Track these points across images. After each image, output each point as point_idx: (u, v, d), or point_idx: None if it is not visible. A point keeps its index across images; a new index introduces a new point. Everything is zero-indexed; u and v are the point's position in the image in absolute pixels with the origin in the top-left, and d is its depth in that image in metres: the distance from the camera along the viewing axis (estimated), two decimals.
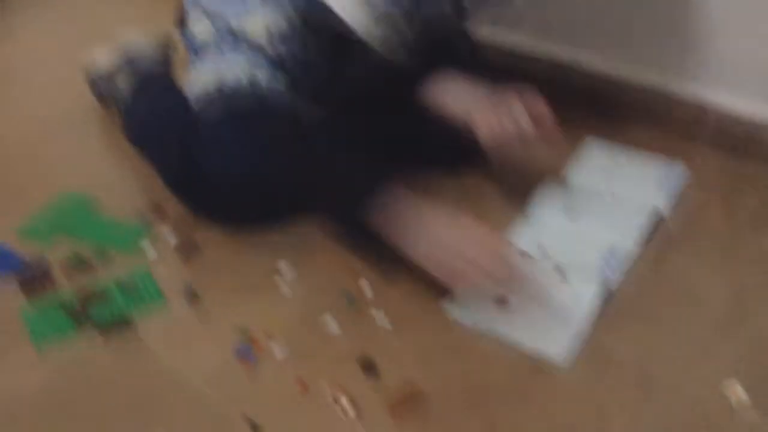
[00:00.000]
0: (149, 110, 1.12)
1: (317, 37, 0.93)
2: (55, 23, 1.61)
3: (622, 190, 0.99)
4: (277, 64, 0.96)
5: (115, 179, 1.09)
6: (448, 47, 1.02)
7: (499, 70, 1.14)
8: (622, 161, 1.05)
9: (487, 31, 1.27)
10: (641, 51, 1.11)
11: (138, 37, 1.21)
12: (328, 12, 0.86)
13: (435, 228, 0.82)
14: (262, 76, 0.96)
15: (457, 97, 0.95)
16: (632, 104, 1.14)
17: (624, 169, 1.03)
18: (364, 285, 0.88)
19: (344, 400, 0.76)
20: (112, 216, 1.01)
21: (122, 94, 1.15)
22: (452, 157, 1.03)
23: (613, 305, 0.84)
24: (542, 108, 0.91)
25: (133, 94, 1.14)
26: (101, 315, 0.87)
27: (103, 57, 1.22)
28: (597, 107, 1.17)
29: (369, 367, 0.79)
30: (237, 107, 0.96)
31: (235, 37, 0.97)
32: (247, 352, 0.82)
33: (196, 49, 1.02)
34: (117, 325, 0.86)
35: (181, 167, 0.99)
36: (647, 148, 1.06)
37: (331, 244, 0.94)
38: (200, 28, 1.01)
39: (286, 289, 0.89)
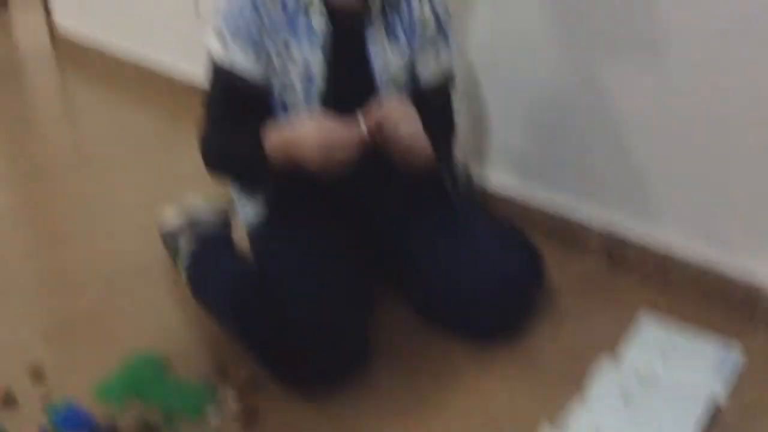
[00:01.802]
0: (209, 272, 1.17)
1: None
2: (134, 166, 1.74)
3: (677, 374, 1.00)
4: None
5: (184, 337, 1.13)
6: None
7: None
8: (677, 340, 1.06)
9: (542, 195, 1.33)
10: (695, 225, 1.15)
11: (201, 201, 1.30)
12: None
13: (299, 136, 0.97)
14: None
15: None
16: (686, 279, 1.16)
17: (679, 350, 1.05)
18: None
19: None
20: (181, 378, 1.05)
21: (185, 254, 1.22)
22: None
23: None
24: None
25: (194, 255, 1.20)
26: None
27: (170, 215, 1.30)
28: (651, 280, 1.20)
29: None
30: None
31: None
32: None
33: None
34: None
35: (246, 325, 1.03)
36: (702, 325, 1.09)
37: None
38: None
39: None
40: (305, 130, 0.97)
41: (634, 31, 1.11)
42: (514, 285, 1.06)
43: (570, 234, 1.30)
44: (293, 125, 1.01)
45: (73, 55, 2.73)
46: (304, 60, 1.04)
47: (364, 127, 0.97)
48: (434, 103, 1.15)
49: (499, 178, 1.39)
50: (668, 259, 1.17)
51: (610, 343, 1.06)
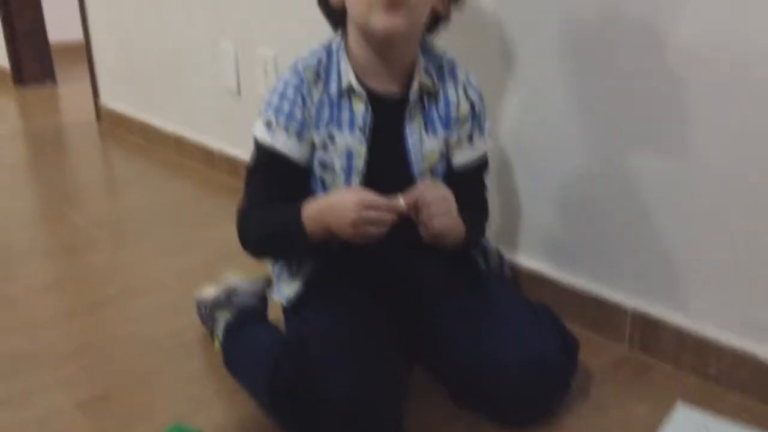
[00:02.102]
0: (244, 345, 1.18)
1: None
2: (171, 238, 1.78)
3: None
4: None
5: (219, 410, 1.13)
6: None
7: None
8: (715, 431, 1.04)
9: (574, 279, 1.33)
10: (731, 312, 1.14)
11: (239, 274, 1.31)
12: None
13: (338, 209, 0.99)
14: None
15: None
16: (722, 367, 1.15)
17: None
18: None
19: None
20: None
21: (220, 326, 1.24)
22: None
23: None
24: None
25: (230, 328, 1.21)
26: None
27: (208, 288, 1.32)
28: (687, 367, 1.19)
29: None
30: None
31: None
32: None
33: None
34: None
35: (279, 400, 1.03)
36: (740, 415, 1.06)
37: None
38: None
39: None
40: (343, 197, 1.00)
41: (658, 116, 1.13)
42: (550, 370, 1.06)
43: (603, 319, 1.29)
44: (331, 194, 1.05)
45: (115, 127, 2.84)
46: (346, 147, 1.08)
47: (402, 202, 0.99)
48: (468, 187, 1.17)
49: (531, 261, 1.40)
50: (704, 346, 1.16)
51: None
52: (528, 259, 1.40)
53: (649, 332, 1.23)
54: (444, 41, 1.18)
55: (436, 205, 1.01)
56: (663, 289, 1.21)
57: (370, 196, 0.98)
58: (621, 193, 1.22)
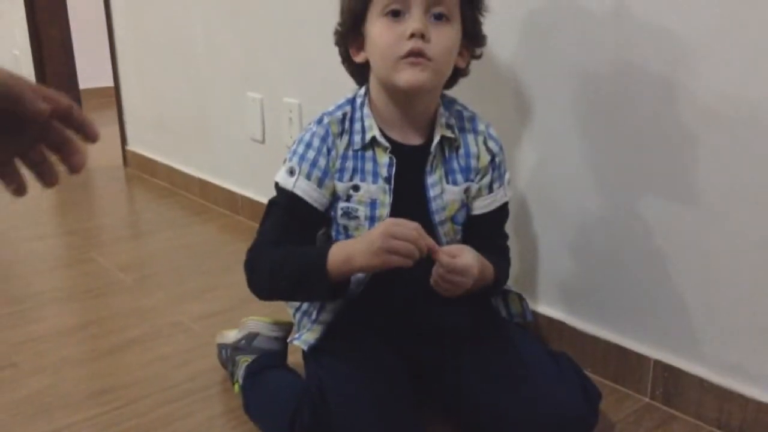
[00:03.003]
0: (264, 390, 1.19)
1: None
2: (193, 281, 1.80)
3: None
4: None
5: None
6: None
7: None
8: None
9: (594, 328, 1.33)
10: (753, 364, 1.13)
11: (260, 319, 1.33)
12: None
13: (366, 236, 1.00)
14: None
15: None
16: (746, 418, 1.13)
17: None
18: None
19: None
20: None
21: (241, 372, 1.24)
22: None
23: None
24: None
25: (250, 372, 1.22)
26: None
27: (230, 334, 1.34)
28: (709, 418, 1.17)
29: None
30: None
31: None
32: None
33: None
34: None
35: None
36: None
37: None
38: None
39: None
40: (372, 230, 1.01)
41: (676, 169, 1.14)
42: (571, 421, 1.05)
43: (625, 369, 1.28)
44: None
45: (141, 171, 2.89)
46: (370, 196, 1.11)
47: (443, 257, 0.99)
48: (488, 236, 1.19)
49: (550, 309, 1.40)
50: (727, 398, 1.15)
51: None
52: (547, 308, 1.41)
53: (671, 383, 1.22)
54: (462, 94, 1.20)
55: (452, 284, 1.02)
56: (686, 340, 1.20)
57: (396, 228, 0.97)
58: (640, 244, 1.23)
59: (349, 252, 1.00)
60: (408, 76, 1.03)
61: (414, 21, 1.01)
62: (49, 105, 0.58)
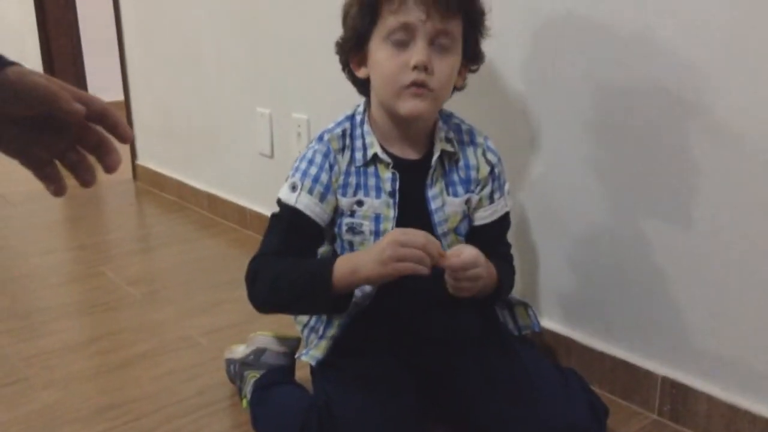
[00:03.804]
0: (272, 404, 1.19)
1: None
2: (202, 295, 1.82)
3: None
4: None
5: None
6: None
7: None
8: None
9: (611, 347, 1.33)
10: (761, 380, 1.13)
11: (269, 334, 1.34)
12: None
13: (373, 247, 1.00)
14: None
15: None
16: None
17: None
18: None
19: None
20: None
21: (249, 387, 1.25)
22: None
23: None
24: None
25: (258, 387, 1.23)
26: None
27: (238, 349, 1.35)
28: None
29: None
30: None
31: None
32: None
33: None
34: None
35: None
36: None
37: None
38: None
39: None
40: (379, 240, 1.02)
41: (681, 186, 1.15)
42: None
43: (631, 385, 1.28)
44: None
45: (151, 185, 2.91)
46: (374, 211, 1.12)
47: (453, 259, 1.00)
48: (492, 245, 1.19)
49: (556, 324, 1.41)
50: (734, 415, 1.14)
51: None
52: (553, 323, 1.41)
53: (679, 400, 1.22)
54: (468, 109, 1.22)
55: (469, 279, 1.03)
56: (693, 357, 1.20)
57: (404, 237, 0.97)
58: (646, 259, 1.23)
59: (356, 263, 1.01)
60: (410, 106, 1.05)
61: (418, 53, 1.03)
62: (84, 106, 0.60)
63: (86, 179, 0.64)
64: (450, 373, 1.15)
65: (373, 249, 1.00)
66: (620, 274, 1.28)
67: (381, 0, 1.04)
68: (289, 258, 1.09)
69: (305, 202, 1.10)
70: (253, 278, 1.10)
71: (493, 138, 1.20)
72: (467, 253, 1.02)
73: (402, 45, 1.04)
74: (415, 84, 1.03)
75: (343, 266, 1.02)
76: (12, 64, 0.60)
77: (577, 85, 1.27)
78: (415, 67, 1.03)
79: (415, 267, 0.96)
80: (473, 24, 1.10)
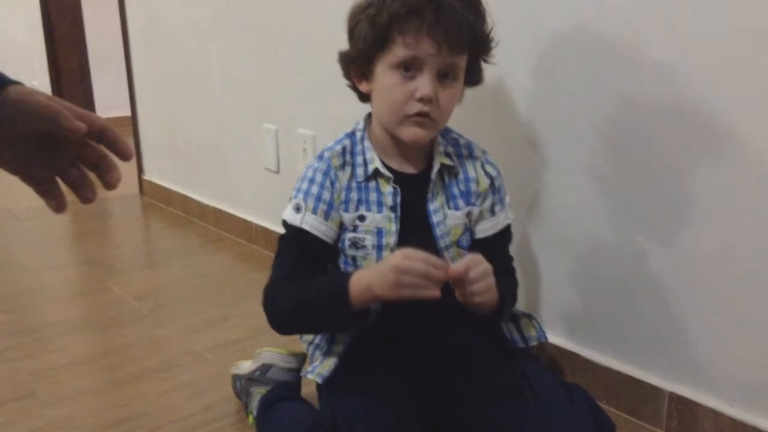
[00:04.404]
0: (278, 420, 1.20)
1: None
2: (208, 311, 1.82)
3: None
4: None
5: None
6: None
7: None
8: None
9: (604, 358, 1.33)
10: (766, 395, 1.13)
11: (275, 350, 1.34)
12: None
13: (381, 268, 1.00)
14: None
15: None
16: None
17: None
18: None
19: None
20: None
21: (255, 403, 1.26)
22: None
23: None
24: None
25: (264, 402, 1.24)
26: None
27: (245, 365, 1.35)
28: None
29: None
30: None
31: None
32: None
33: None
34: None
35: None
36: None
37: None
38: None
39: None
40: (387, 259, 1.02)
41: (684, 201, 1.15)
42: None
43: (638, 401, 1.28)
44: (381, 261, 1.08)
45: (157, 200, 2.93)
46: (376, 225, 1.12)
47: (445, 273, 1.00)
48: (494, 257, 1.19)
49: (561, 339, 1.40)
50: (741, 431, 1.14)
51: None
52: (557, 338, 1.41)
53: (686, 416, 1.21)
54: (469, 120, 1.22)
55: (480, 283, 1.03)
56: (700, 372, 1.20)
57: (407, 262, 0.97)
58: (650, 274, 1.23)
59: (369, 280, 1.02)
60: (412, 133, 1.08)
61: (425, 86, 1.04)
62: (85, 124, 0.61)
63: (87, 196, 0.65)
64: (454, 390, 1.15)
65: (380, 270, 1.01)
66: (625, 288, 1.28)
67: (393, 28, 1.04)
68: (302, 280, 1.10)
69: (310, 222, 1.11)
70: (271, 306, 1.12)
71: (494, 152, 1.21)
72: (466, 259, 1.03)
73: (409, 75, 1.05)
74: (420, 114, 1.05)
75: (358, 284, 1.03)
76: (13, 83, 0.61)
77: (579, 99, 1.28)
78: (420, 100, 1.04)
79: (421, 293, 0.97)
80: (480, 56, 1.11)
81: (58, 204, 0.65)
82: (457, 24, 1.02)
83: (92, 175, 0.65)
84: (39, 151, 0.63)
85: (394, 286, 0.98)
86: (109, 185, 0.65)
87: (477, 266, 1.03)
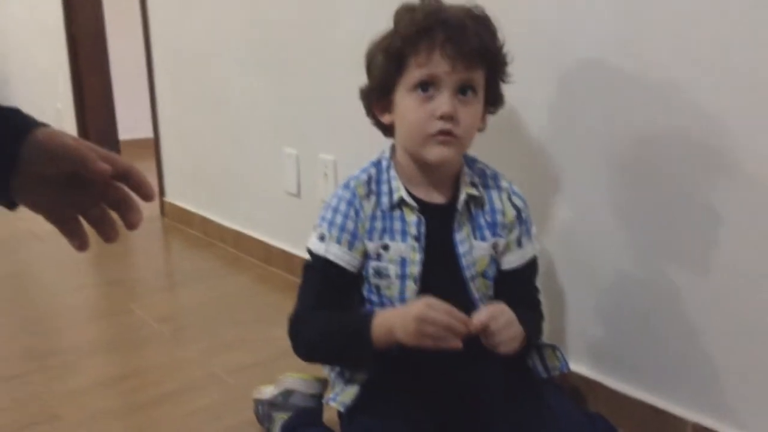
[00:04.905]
0: None
1: None
2: (227, 334, 1.83)
3: None
4: None
5: None
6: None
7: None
8: None
9: (640, 392, 1.32)
10: None
11: (297, 375, 1.35)
12: None
13: (404, 314, 1.02)
14: None
15: None
16: None
17: None
18: None
19: None
20: None
21: (277, 429, 1.26)
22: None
23: None
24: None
25: (286, 428, 1.24)
26: None
27: (267, 390, 1.35)
28: None
29: None
30: None
31: None
32: None
33: None
34: None
35: None
36: None
37: None
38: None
39: None
40: (410, 306, 1.04)
41: (707, 232, 1.15)
42: None
43: (659, 430, 1.27)
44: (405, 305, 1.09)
45: (178, 222, 2.96)
46: (400, 255, 1.13)
47: (466, 326, 1.01)
48: (520, 289, 1.20)
49: (584, 369, 1.40)
50: None
51: None
52: (581, 367, 1.40)
53: None
54: (493, 150, 1.23)
55: (503, 334, 1.03)
56: (723, 403, 1.19)
57: (431, 313, 0.99)
58: (674, 305, 1.23)
59: (392, 323, 1.04)
60: (437, 152, 1.08)
61: (445, 104, 1.06)
62: (109, 165, 0.62)
63: (109, 235, 0.67)
64: (476, 420, 1.15)
65: (403, 316, 1.02)
66: (648, 319, 1.28)
67: (407, 51, 1.07)
68: (327, 312, 1.12)
69: (335, 252, 1.12)
70: (296, 335, 1.15)
71: (518, 182, 1.22)
72: (488, 307, 1.04)
73: (428, 95, 1.07)
74: (442, 133, 1.06)
75: (381, 327, 1.05)
76: (41, 125, 0.63)
77: (602, 131, 1.28)
78: (441, 117, 1.05)
79: (442, 344, 0.99)
80: (496, 72, 1.12)
81: (81, 243, 0.67)
82: (468, 39, 1.04)
83: (114, 215, 0.66)
84: (64, 191, 0.64)
85: (415, 335, 1.00)
86: (131, 225, 0.66)
87: (500, 317, 1.03)
